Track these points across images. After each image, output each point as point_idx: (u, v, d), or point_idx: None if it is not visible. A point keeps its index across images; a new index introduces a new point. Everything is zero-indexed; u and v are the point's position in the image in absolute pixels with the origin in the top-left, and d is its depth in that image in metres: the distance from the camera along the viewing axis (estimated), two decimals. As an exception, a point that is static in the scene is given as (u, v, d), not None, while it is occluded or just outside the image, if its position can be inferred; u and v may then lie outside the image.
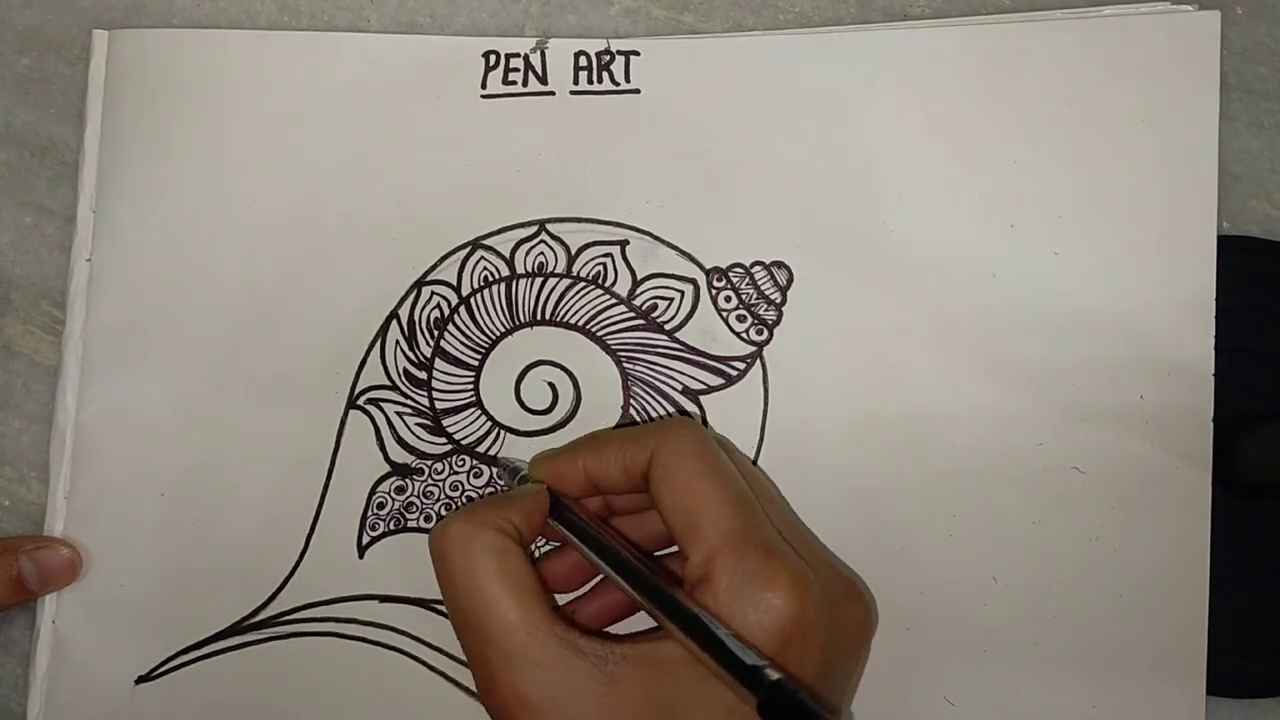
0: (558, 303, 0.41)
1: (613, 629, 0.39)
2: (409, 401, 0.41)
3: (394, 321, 0.41)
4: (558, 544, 0.39)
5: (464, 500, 0.40)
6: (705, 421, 0.40)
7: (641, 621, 0.38)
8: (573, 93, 0.41)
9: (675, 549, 0.38)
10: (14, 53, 0.43)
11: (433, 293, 0.41)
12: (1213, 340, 0.39)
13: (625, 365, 0.41)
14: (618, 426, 0.40)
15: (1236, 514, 0.39)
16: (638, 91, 0.41)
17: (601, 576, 0.38)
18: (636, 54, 0.41)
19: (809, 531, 0.38)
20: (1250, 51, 0.42)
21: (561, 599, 0.39)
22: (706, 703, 0.32)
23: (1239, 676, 0.39)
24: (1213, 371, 0.39)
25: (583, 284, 0.41)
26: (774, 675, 0.30)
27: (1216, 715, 0.39)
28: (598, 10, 0.43)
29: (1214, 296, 0.39)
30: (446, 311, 0.41)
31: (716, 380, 0.40)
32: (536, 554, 0.39)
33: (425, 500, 0.40)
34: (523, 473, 0.38)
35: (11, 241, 0.43)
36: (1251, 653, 0.39)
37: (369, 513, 0.40)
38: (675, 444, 0.35)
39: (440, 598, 0.39)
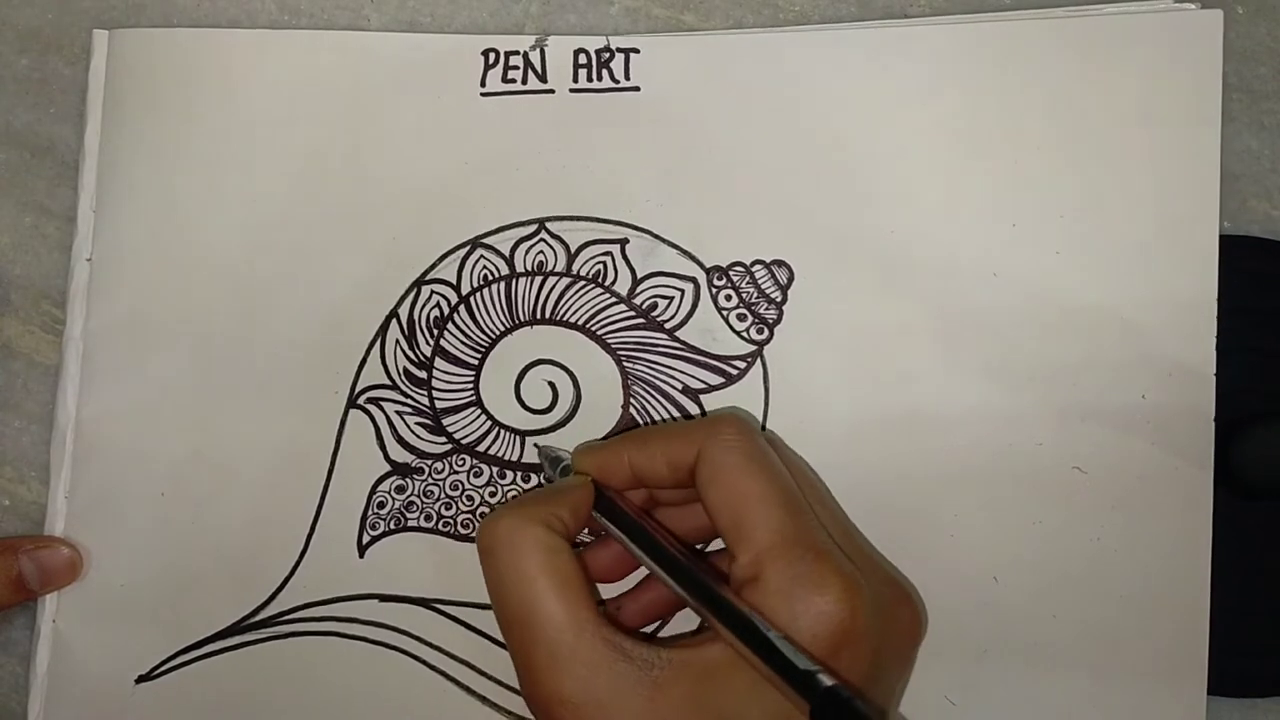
0: (557, 301, 0.41)
1: (659, 628, 0.39)
2: (409, 401, 0.41)
3: (394, 320, 0.41)
4: (601, 534, 0.38)
5: (464, 500, 0.40)
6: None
7: (686, 620, 0.38)
8: (572, 91, 0.41)
9: (721, 544, 0.38)
10: (14, 53, 0.43)
11: (432, 292, 0.41)
12: (1214, 340, 0.39)
13: (625, 364, 0.40)
14: (618, 426, 0.40)
15: (1236, 514, 0.39)
16: (638, 89, 0.41)
17: (647, 572, 0.37)
18: (636, 51, 0.41)
19: (859, 533, 0.38)
20: (1250, 51, 0.41)
21: (606, 593, 0.39)
22: (755, 709, 0.32)
23: (1239, 676, 0.39)
24: (1214, 371, 0.39)
25: (583, 283, 0.41)
26: (828, 681, 0.29)
27: (1217, 715, 0.39)
28: (597, 9, 0.43)
29: (1215, 296, 0.39)
30: (446, 310, 0.41)
31: (717, 379, 0.40)
32: (579, 546, 0.39)
33: (425, 499, 0.40)
34: (565, 463, 0.38)
35: (11, 241, 0.43)
36: (1251, 652, 0.39)
37: (369, 512, 0.40)
38: (723, 441, 0.34)
39: (441, 597, 0.40)
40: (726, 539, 0.34)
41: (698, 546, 0.39)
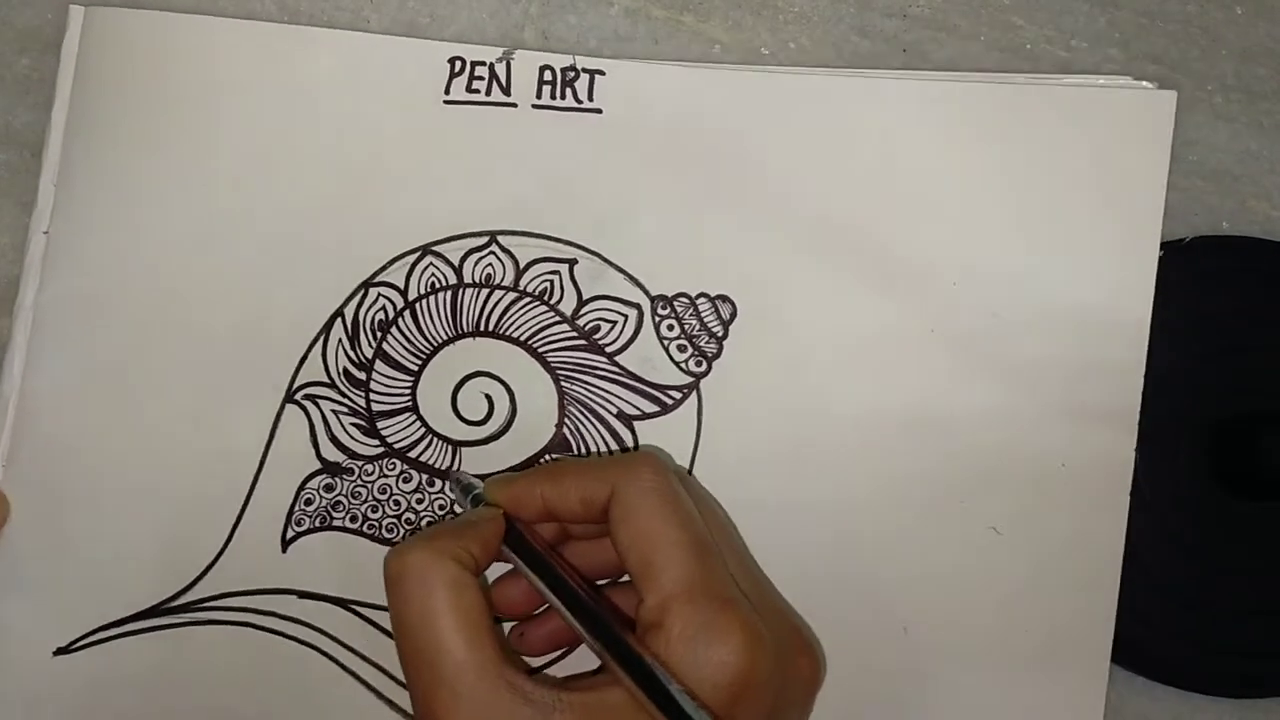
0: (502, 315, 0.41)
1: (564, 654, 0.39)
2: (346, 401, 0.41)
3: (339, 320, 0.41)
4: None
5: (391, 504, 0.41)
6: (638, 449, 0.40)
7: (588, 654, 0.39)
8: (535, 106, 0.41)
9: (627, 578, 0.38)
10: (14, 53, 0.44)
11: (379, 294, 0.41)
12: (1138, 410, 0.39)
13: (563, 384, 0.41)
14: (550, 444, 0.40)
15: (1234, 514, 0.39)
16: (599, 111, 0.41)
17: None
18: (602, 74, 0.41)
19: (764, 577, 0.38)
20: (1250, 51, 0.41)
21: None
22: None
23: (1238, 676, 0.39)
24: (1134, 446, 0.39)
25: (528, 299, 0.41)
26: None
27: (1217, 715, 0.40)
28: (598, 10, 0.43)
29: (1143, 364, 0.39)
30: (391, 314, 0.41)
31: (652, 407, 0.40)
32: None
33: (353, 500, 0.41)
34: (477, 491, 0.37)
35: (11, 242, 0.43)
36: (1251, 652, 0.39)
37: (296, 508, 0.41)
38: (638, 482, 0.34)
39: (358, 599, 0.40)
40: (635, 580, 0.34)
41: (603, 581, 0.39)
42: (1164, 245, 0.40)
